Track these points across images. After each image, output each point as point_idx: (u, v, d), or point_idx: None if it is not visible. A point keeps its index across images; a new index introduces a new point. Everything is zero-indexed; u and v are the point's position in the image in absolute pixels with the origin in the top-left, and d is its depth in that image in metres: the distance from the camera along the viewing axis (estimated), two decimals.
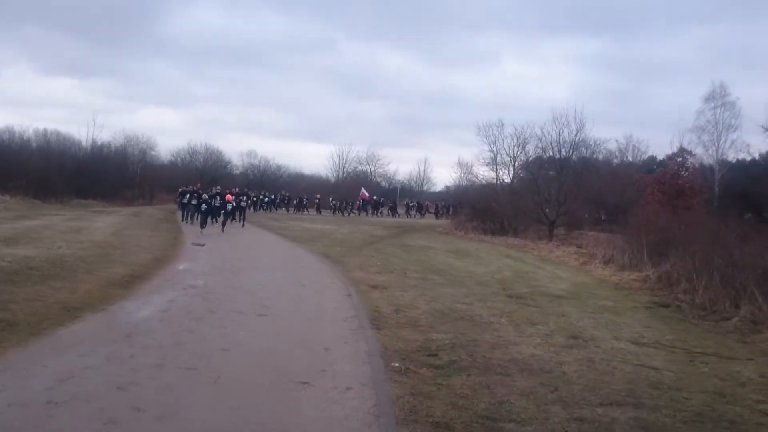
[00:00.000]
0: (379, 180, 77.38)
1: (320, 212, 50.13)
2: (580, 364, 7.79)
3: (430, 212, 57.89)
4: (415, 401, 6.00)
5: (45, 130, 57.89)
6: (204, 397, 5.79)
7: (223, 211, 26.98)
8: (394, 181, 78.20)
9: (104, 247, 16.89)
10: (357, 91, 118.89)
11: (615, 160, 47.43)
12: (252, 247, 20.17)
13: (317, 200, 52.39)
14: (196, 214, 28.25)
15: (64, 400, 5.42)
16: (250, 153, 73.05)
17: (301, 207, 50.70)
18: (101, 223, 24.87)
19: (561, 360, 7.92)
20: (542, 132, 33.15)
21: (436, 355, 7.79)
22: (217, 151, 70.00)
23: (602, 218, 35.42)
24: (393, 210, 57.51)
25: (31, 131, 57.30)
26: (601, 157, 43.21)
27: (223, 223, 26.65)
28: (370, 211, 54.42)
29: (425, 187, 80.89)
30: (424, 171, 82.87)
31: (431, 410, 5.77)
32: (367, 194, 55.00)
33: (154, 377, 6.26)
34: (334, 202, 53.16)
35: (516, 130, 36.10)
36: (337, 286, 12.89)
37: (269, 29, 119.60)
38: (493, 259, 21.86)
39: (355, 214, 52.05)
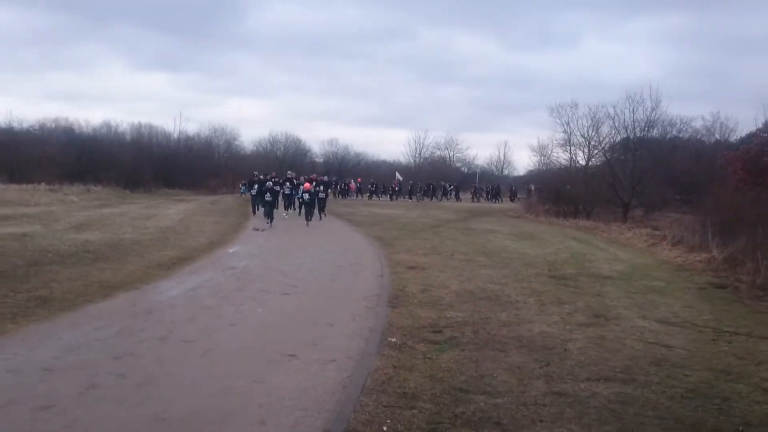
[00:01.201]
0: (458, 165, 76.78)
1: (393, 198, 50.06)
2: (589, 341, 7.62)
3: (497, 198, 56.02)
4: (394, 373, 6.07)
5: (139, 124, 61.04)
6: (188, 366, 6.07)
7: (300, 201, 24.96)
8: (473, 166, 77.45)
9: (166, 232, 17.69)
10: (434, 77, 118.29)
11: (702, 139, 45.11)
12: (308, 232, 20.49)
13: (394, 186, 52.11)
14: (259, 205, 25.15)
15: (59, 368, 5.84)
16: (331, 141, 74.08)
17: (344, 193, 49.13)
18: (173, 211, 26.00)
19: (569, 338, 7.77)
20: (615, 111, 31.91)
21: (440, 332, 7.81)
22: (297, 139, 71.51)
23: (683, 199, 33.84)
24: (456, 195, 55.31)
25: (125, 125, 60.54)
26: (686, 136, 41.16)
27: (308, 215, 23.77)
28: (413, 197, 52.05)
29: (506, 171, 79.59)
30: (504, 155, 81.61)
31: (406, 382, 5.83)
32: (401, 178, 53.69)
33: (151, 348, 6.60)
34: (394, 186, 52.60)
35: (590, 110, 34.78)
36: (375, 267, 13.01)
37: (345, 19, 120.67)
38: (556, 241, 21.39)
39: (419, 199, 50.95)
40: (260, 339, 7.22)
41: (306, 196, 23.66)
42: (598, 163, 34.86)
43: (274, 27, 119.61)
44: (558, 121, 36.31)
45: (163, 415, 4.79)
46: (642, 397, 5.69)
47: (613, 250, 19.47)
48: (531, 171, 49.72)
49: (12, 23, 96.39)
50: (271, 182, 24.15)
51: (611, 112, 32.25)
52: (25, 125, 49.41)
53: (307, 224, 22.80)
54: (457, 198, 53.62)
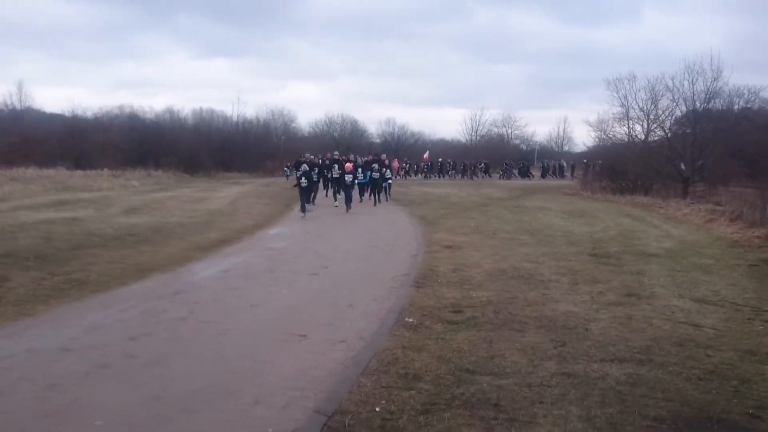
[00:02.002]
0: (516, 142, 75.58)
1: (428, 177, 49.49)
2: (613, 321, 7.39)
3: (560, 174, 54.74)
4: (402, 354, 6.04)
5: (200, 109, 62.48)
6: (200, 346, 6.19)
7: (344, 185, 21.57)
8: (531, 143, 76.12)
9: (213, 214, 18.07)
10: (490, 55, 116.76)
11: None
12: (354, 213, 20.45)
13: (425, 165, 50.97)
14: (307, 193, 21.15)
15: (76, 348, 6.04)
16: (388, 121, 74.06)
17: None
18: (225, 194, 26.48)
19: (594, 317, 7.56)
20: (673, 83, 30.63)
21: (460, 312, 7.71)
22: (353, 120, 71.72)
23: (751, 173, 32.36)
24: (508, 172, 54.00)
25: (187, 111, 61.96)
26: (755, 106, 39.16)
27: (348, 200, 21.02)
28: (438, 175, 50.80)
29: (566, 148, 77.85)
30: (563, 131, 79.81)
31: (411, 363, 5.79)
32: (428, 157, 51.98)
33: (169, 329, 6.76)
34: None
35: (648, 82, 33.46)
36: (411, 248, 12.95)
37: (400, 1, 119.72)
38: (607, 218, 20.83)
39: (470, 177, 50.17)
40: (277, 320, 7.29)
41: (349, 178, 21.19)
42: (656, 138, 33.62)
43: (329, 11, 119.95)
44: (615, 95, 35.06)
45: (161, 393, 4.89)
46: (655, 378, 5.48)
47: (667, 227, 18.83)
48: (589, 147, 48.39)
49: (77, 16, 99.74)
50: (306, 165, 20.49)
51: (669, 84, 30.97)
52: (89, 113, 51.16)
53: (347, 210, 20.52)
54: (489, 175, 52.59)
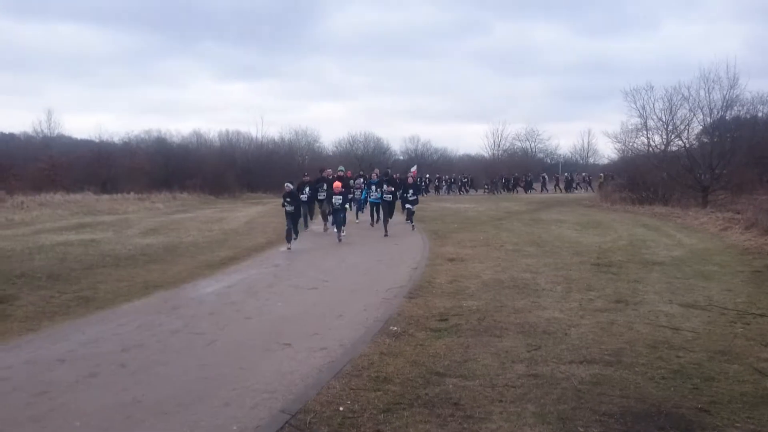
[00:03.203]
0: (540, 156, 75.48)
1: (438, 192, 49.56)
2: (594, 326, 7.56)
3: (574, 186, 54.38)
4: (378, 359, 6.28)
5: (227, 131, 63.70)
6: (187, 356, 6.50)
7: (332, 206, 17.56)
8: (555, 156, 75.92)
9: (228, 234, 18.50)
10: (511, 69, 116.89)
11: None
12: (368, 228, 20.65)
13: (438, 179, 50.48)
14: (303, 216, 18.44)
15: (70, 359, 6.40)
16: (412, 138, 74.59)
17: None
18: (244, 213, 27.00)
19: (577, 323, 7.73)
20: (689, 92, 30.55)
21: (446, 320, 7.93)
22: (376, 138, 72.31)
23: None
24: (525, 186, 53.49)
25: (213, 133, 63.22)
26: None
27: (337, 224, 17.28)
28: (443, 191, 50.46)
29: (591, 160, 77.47)
30: (588, 143, 79.47)
31: (385, 367, 6.03)
32: (414, 171, 51.28)
33: (161, 341, 7.09)
34: (464, 179, 52.16)
35: (666, 92, 33.37)
36: (413, 261, 13.18)
37: (418, 18, 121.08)
38: (622, 228, 20.85)
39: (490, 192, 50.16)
40: (267, 330, 7.58)
41: (337, 201, 16.93)
42: (675, 148, 33.46)
43: (350, 30, 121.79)
44: (633, 105, 35.02)
45: (140, 398, 5.20)
46: (618, 377, 5.66)
47: (680, 236, 18.81)
48: (611, 158, 48.07)
49: (104, 43, 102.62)
50: (291, 184, 16.49)
51: (686, 93, 30.90)
52: (116, 138, 52.50)
53: (339, 240, 16.94)
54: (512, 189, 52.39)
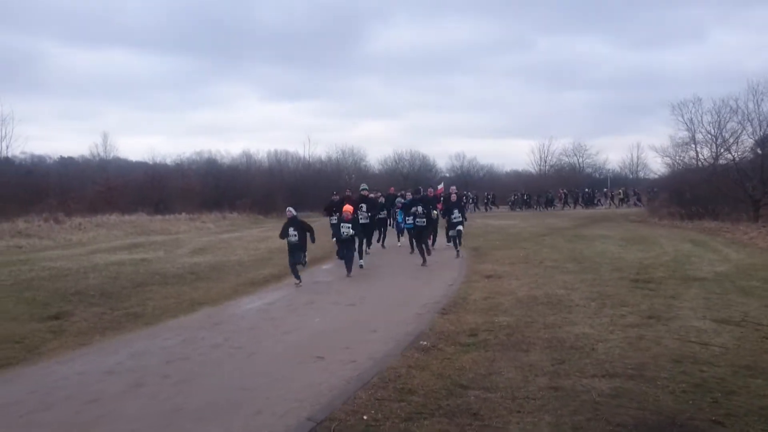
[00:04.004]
0: (589, 171, 74.58)
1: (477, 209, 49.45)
2: (623, 341, 7.67)
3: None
4: (405, 372, 6.55)
5: (275, 151, 65.08)
6: (227, 368, 6.90)
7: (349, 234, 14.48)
8: (604, 171, 74.89)
9: (274, 252, 19.03)
10: (556, 84, 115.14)
11: None
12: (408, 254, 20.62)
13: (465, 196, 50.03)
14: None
15: (118, 371, 6.87)
16: (458, 155, 74.62)
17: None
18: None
19: (605, 338, 7.84)
20: (737, 104, 30.07)
21: (475, 335, 8.15)
22: (422, 156, 72.60)
23: None
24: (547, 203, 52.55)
25: (263, 153, 64.73)
26: None
27: (346, 261, 14.50)
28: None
29: (641, 174, 76.08)
30: (637, 157, 78.07)
31: (411, 379, 6.30)
32: (441, 188, 48.73)
33: (203, 354, 7.52)
34: (515, 197, 52.03)
35: (714, 104, 32.91)
36: (450, 277, 13.40)
37: (460, 36, 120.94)
38: (667, 244, 20.62)
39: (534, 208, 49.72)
40: (303, 345, 7.93)
41: (346, 231, 14.29)
42: (724, 161, 32.88)
43: (393, 49, 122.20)
44: (680, 119, 34.64)
45: (181, 406, 5.60)
46: (638, 391, 5.79)
47: (728, 251, 18.52)
48: (659, 174, 47.26)
49: (155, 67, 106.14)
50: (293, 209, 14.07)
51: (734, 105, 30.44)
52: (168, 160, 54.21)
53: (348, 275, 14.08)
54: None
